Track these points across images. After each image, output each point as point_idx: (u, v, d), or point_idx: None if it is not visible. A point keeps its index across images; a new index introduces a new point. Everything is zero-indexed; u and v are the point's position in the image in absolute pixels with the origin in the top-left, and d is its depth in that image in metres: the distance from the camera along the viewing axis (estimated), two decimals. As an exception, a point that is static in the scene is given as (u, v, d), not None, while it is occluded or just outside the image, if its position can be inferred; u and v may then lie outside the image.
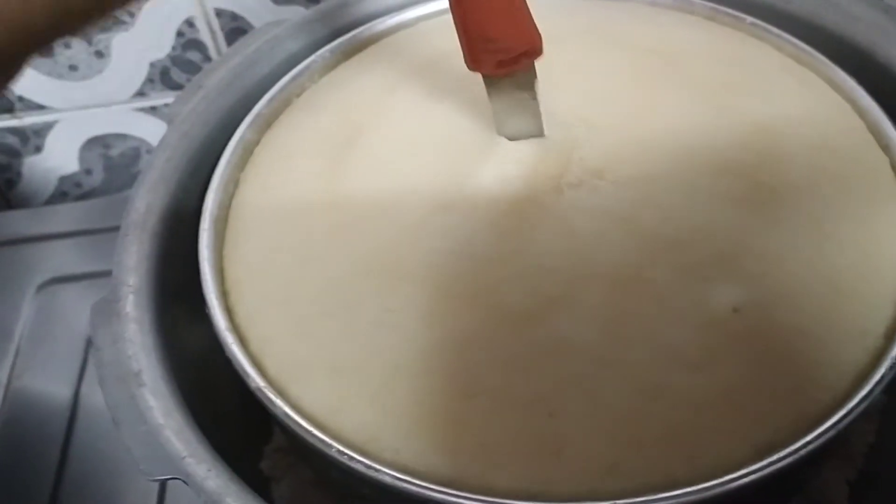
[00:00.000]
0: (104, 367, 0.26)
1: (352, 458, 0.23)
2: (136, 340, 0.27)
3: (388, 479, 0.23)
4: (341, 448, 0.23)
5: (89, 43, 0.49)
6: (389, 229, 0.28)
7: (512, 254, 0.27)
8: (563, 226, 0.27)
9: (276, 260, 0.28)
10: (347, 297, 0.27)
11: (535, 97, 0.29)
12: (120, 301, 0.27)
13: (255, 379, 0.25)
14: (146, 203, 0.30)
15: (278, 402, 0.25)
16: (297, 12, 0.48)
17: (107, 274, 0.47)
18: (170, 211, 0.31)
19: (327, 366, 0.26)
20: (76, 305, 0.47)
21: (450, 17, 0.36)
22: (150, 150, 0.55)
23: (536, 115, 0.29)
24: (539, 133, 0.29)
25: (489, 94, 0.29)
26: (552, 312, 0.25)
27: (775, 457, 0.22)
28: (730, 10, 0.34)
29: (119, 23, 0.48)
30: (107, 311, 0.27)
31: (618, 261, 0.26)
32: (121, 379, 0.25)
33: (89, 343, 0.45)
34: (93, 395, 0.43)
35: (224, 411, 0.30)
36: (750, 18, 0.33)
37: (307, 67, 0.34)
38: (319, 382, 0.25)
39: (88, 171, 0.56)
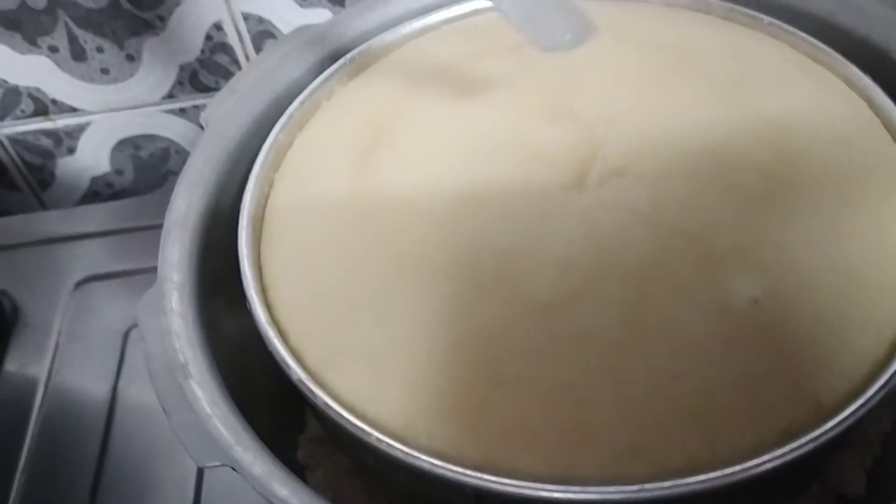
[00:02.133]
0: (152, 359, 0.27)
1: (390, 446, 0.24)
2: (182, 334, 0.28)
3: (425, 466, 0.24)
4: (380, 436, 0.25)
5: (121, 47, 0.50)
6: (418, 224, 0.29)
7: (536, 248, 0.28)
8: (585, 221, 0.28)
9: (311, 256, 0.30)
10: (379, 290, 0.28)
11: None
12: (165, 297, 0.29)
13: (297, 371, 0.26)
14: (186, 203, 0.31)
15: (318, 392, 0.26)
16: (323, 15, 0.49)
17: (140, 271, 0.49)
18: (208, 210, 0.32)
19: (362, 356, 0.27)
20: (112, 302, 0.48)
21: (473, 20, 0.37)
22: (178, 151, 0.57)
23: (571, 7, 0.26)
24: (590, 29, 0.27)
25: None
26: (575, 304, 0.26)
27: (797, 443, 0.23)
28: (746, 10, 0.35)
29: (150, 28, 0.49)
30: (153, 306, 0.28)
31: (638, 254, 0.27)
32: (168, 371, 0.27)
33: (126, 338, 0.47)
34: (130, 389, 0.45)
35: (259, 400, 0.31)
36: (767, 18, 0.34)
37: (336, 71, 0.35)
38: (355, 372, 0.27)
39: (119, 172, 0.58)
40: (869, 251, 0.27)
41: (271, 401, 0.32)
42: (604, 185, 0.29)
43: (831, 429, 0.24)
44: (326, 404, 0.26)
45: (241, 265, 0.29)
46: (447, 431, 0.25)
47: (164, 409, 0.26)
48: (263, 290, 0.29)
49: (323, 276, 0.29)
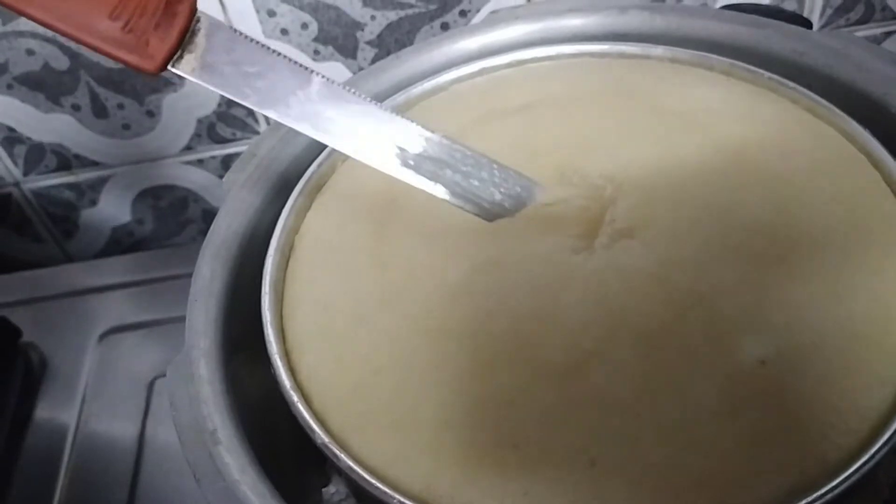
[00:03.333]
0: (183, 427, 0.28)
1: (412, 509, 0.25)
2: (210, 400, 0.29)
3: (446, 528, 0.25)
4: (402, 499, 0.26)
5: (141, 104, 0.52)
6: (434, 290, 0.30)
7: (548, 312, 0.29)
8: (595, 284, 0.29)
9: (333, 321, 0.31)
10: (398, 355, 0.29)
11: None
12: (193, 363, 0.30)
13: (321, 435, 0.27)
14: (211, 270, 0.33)
15: (342, 456, 0.27)
16: (336, 68, 0.50)
17: (163, 322, 0.50)
18: (232, 274, 0.33)
19: (384, 420, 0.28)
20: (137, 352, 0.50)
21: (479, 80, 0.39)
22: (197, 200, 0.58)
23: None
24: (531, 188, 0.29)
25: None
26: (587, 367, 0.27)
27: (804, 501, 0.24)
28: (747, 66, 0.36)
29: (169, 84, 0.51)
30: (182, 373, 0.30)
31: (648, 316, 0.28)
32: (198, 438, 0.28)
33: (151, 387, 0.48)
34: (157, 437, 0.46)
35: (283, 454, 0.32)
36: (767, 73, 0.35)
37: (351, 133, 0.37)
38: (377, 436, 0.28)
39: (140, 221, 0.59)
40: (872, 310, 0.27)
41: (295, 454, 0.33)
42: (613, 246, 0.30)
43: (838, 485, 0.24)
44: (350, 468, 0.27)
45: (265, 331, 0.31)
46: (467, 494, 0.26)
47: (194, 476, 0.27)
48: (287, 354, 0.31)
49: (344, 340, 0.30)
